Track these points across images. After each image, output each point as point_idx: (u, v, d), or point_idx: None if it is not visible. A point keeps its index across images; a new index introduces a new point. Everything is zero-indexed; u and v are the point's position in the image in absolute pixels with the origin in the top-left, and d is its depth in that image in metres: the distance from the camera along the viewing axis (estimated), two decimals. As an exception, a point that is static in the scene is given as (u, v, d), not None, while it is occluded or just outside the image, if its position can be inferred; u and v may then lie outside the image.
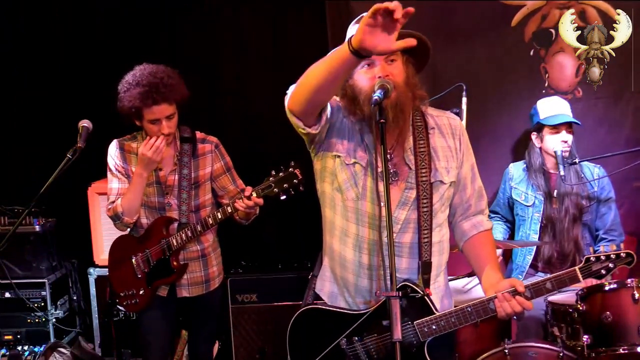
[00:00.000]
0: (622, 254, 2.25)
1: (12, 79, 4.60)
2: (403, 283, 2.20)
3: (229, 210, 3.06)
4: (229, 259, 4.39)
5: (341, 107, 2.29)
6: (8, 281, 4.14)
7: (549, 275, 2.23)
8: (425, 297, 2.20)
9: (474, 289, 3.48)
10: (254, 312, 4.06)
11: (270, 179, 2.96)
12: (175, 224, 3.19)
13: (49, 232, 4.36)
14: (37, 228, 4.22)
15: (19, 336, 4.25)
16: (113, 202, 3.17)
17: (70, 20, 4.57)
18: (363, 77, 2.19)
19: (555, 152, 3.54)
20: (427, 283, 2.26)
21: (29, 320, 4.25)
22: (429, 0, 4.03)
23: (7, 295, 4.22)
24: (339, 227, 2.33)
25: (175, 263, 3.18)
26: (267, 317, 4.03)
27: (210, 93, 4.65)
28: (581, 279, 2.22)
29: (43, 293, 4.22)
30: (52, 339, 4.21)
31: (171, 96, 3.03)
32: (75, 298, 4.55)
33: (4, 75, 4.58)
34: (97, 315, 4.26)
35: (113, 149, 3.20)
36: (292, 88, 2.17)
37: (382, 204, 2.17)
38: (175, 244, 3.14)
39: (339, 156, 2.29)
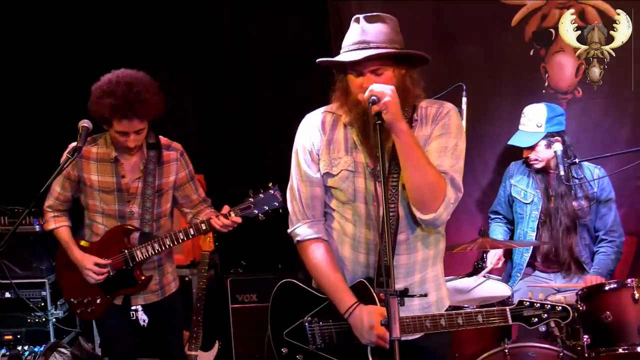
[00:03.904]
0: (558, 307, 2.19)
1: (12, 79, 4.60)
2: (360, 280, 2.32)
3: (203, 227, 3.02)
4: (229, 259, 4.41)
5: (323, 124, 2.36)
6: (8, 281, 4.13)
7: (482, 310, 2.20)
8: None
9: (475, 288, 3.48)
10: (254, 312, 4.06)
11: (250, 199, 2.97)
12: (137, 234, 3.11)
13: (49, 232, 4.35)
14: (37, 228, 4.21)
15: (19, 336, 4.24)
16: (50, 206, 3.19)
17: (70, 19, 4.56)
18: (352, 83, 2.24)
19: (555, 152, 3.54)
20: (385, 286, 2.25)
21: (29, 320, 4.24)
22: (430, 1, 4.03)
23: (7, 295, 4.22)
24: (338, 229, 2.39)
25: (139, 274, 3.12)
26: (267, 317, 4.01)
27: (211, 93, 4.65)
28: (510, 320, 2.18)
29: (43, 293, 4.21)
30: (52, 339, 4.21)
31: (144, 114, 2.90)
32: (75, 298, 4.55)
33: (3, 75, 4.58)
34: (97, 315, 4.25)
35: (66, 155, 2.88)
36: (298, 235, 2.41)
37: (375, 203, 2.25)
38: (140, 256, 3.07)
39: (328, 174, 2.34)
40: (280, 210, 2.91)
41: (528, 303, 2.18)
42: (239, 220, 2.99)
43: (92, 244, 3.16)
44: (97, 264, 3.07)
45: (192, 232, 3.04)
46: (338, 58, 2.23)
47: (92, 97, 2.94)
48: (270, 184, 2.97)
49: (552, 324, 2.92)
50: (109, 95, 2.86)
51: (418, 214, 2.20)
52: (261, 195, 2.97)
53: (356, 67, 2.20)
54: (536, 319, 2.17)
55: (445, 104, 2.35)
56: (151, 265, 3.20)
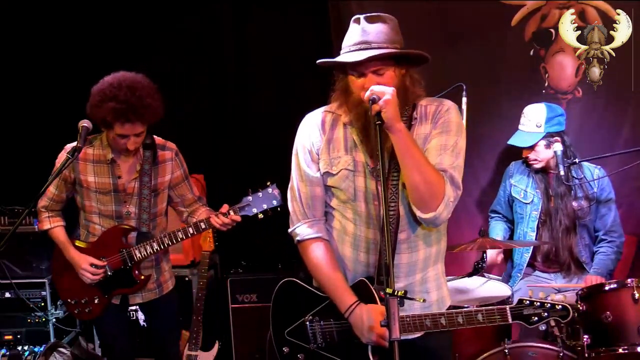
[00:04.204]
0: (558, 305, 2.18)
1: (12, 79, 4.60)
2: (360, 279, 2.32)
3: (202, 226, 3.03)
4: (229, 259, 4.41)
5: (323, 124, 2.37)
6: (8, 281, 4.13)
7: (482, 308, 2.20)
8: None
9: (475, 288, 3.48)
10: (254, 312, 4.06)
11: (248, 198, 2.96)
12: (134, 234, 3.11)
13: (44, 232, 4.35)
14: (37, 228, 4.21)
15: (19, 336, 4.24)
16: (45, 207, 3.17)
17: (70, 19, 4.56)
18: (353, 83, 2.24)
19: (555, 152, 3.54)
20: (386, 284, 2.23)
21: (29, 320, 4.25)
22: (430, 1, 4.03)
23: (7, 295, 4.22)
24: (338, 228, 2.39)
25: (138, 274, 3.12)
26: (267, 317, 4.00)
27: (211, 93, 4.65)
28: (510, 319, 2.17)
29: (43, 293, 4.21)
30: (52, 339, 4.21)
31: (147, 118, 2.91)
32: (75, 298, 4.54)
33: (3, 75, 4.58)
34: (97, 315, 4.25)
35: (66, 155, 2.79)
36: (298, 235, 2.40)
37: (375, 202, 2.26)
38: (139, 255, 3.07)
39: (328, 173, 2.34)
40: (279, 209, 2.91)
41: (528, 302, 2.18)
42: (238, 218, 2.99)
43: (90, 244, 3.15)
44: (93, 264, 3.07)
45: (192, 232, 3.05)
46: (339, 59, 2.22)
47: (93, 100, 2.92)
48: (269, 183, 2.97)
49: (552, 323, 2.92)
50: (112, 99, 2.84)
51: (418, 213, 2.20)
52: (259, 194, 2.97)
53: (357, 67, 2.20)
54: (536, 318, 2.17)
55: (445, 101, 2.35)
56: (148, 264, 3.20)
